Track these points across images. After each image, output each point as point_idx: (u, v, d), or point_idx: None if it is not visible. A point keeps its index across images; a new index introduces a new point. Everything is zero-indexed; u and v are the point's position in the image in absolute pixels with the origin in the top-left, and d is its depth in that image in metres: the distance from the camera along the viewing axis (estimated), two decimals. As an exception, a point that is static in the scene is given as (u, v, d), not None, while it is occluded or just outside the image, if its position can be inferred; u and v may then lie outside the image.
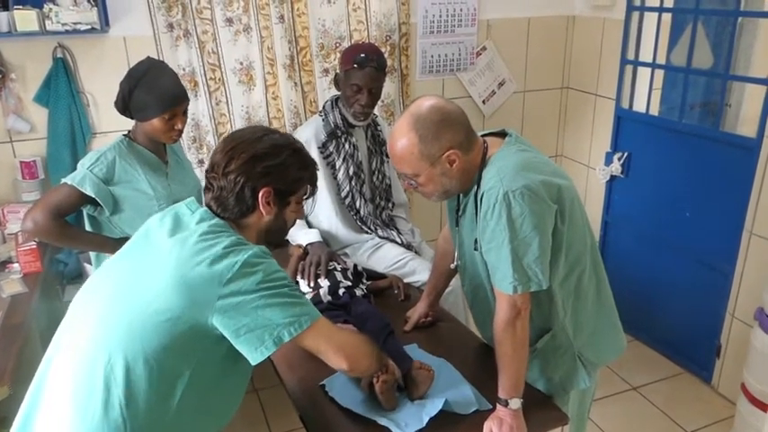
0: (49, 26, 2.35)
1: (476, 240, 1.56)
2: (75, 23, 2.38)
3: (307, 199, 1.46)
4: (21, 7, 2.31)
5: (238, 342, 1.23)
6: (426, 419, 1.48)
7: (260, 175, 1.33)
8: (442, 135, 1.48)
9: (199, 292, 1.20)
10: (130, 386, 1.19)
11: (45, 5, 2.35)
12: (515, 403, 1.50)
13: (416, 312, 1.98)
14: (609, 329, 1.74)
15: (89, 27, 2.41)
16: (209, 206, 1.37)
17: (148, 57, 1.99)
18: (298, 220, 2.42)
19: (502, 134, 1.62)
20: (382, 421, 1.50)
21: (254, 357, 1.24)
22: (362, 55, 2.27)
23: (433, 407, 1.51)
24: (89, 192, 1.87)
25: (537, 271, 1.46)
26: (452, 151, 1.49)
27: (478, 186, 1.52)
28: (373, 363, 1.45)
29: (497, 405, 1.52)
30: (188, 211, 1.35)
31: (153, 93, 1.87)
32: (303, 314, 1.26)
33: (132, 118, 1.96)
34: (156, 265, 1.25)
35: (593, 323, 1.68)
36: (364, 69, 2.27)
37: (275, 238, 1.45)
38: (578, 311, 1.63)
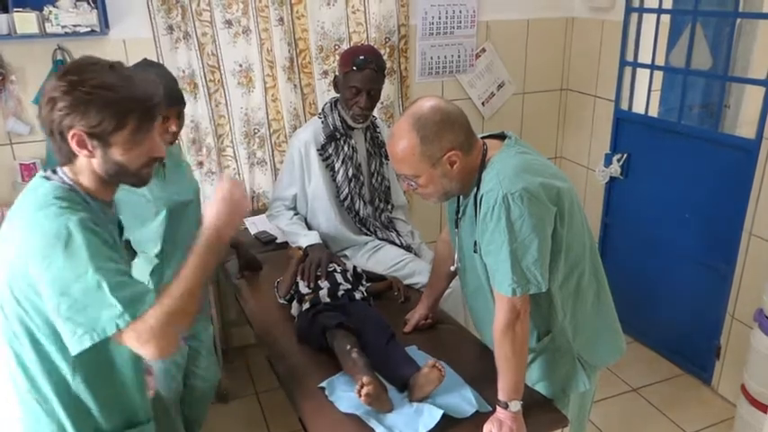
0: (49, 28, 2.36)
1: (475, 243, 1.56)
2: (74, 26, 2.38)
3: (143, 135, 1.25)
4: (20, 9, 2.31)
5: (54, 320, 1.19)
6: (423, 431, 1.48)
7: (60, 119, 1.19)
8: (442, 136, 1.47)
9: (19, 266, 1.16)
10: (48, 372, 1.22)
11: (45, 8, 2.35)
12: (515, 405, 1.50)
13: (416, 314, 1.98)
14: (608, 331, 1.74)
15: (89, 29, 2.41)
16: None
17: (145, 58, 1.99)
18: (297, 222, 2.48)
19: (501, 136, 1.62)
20: (379, 429, 1.50)
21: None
22: (361, 57, 2.27)
23: (430, 418, 1.50)
24: (85, 194, 1.86)
25: (536, 273, 1.46)
26: (453, 152, 1.49)
27: (478, 188, 1.52)
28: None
29: (497, 407, 1.52)
30: (38, 176, 1.29)
31: None
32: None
33: None
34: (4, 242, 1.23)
35: (593, 325, 1.68)
36: (363, 71, 2.27)
37: (124, 181, 1.31)
38: (577, 313, 1.63)
